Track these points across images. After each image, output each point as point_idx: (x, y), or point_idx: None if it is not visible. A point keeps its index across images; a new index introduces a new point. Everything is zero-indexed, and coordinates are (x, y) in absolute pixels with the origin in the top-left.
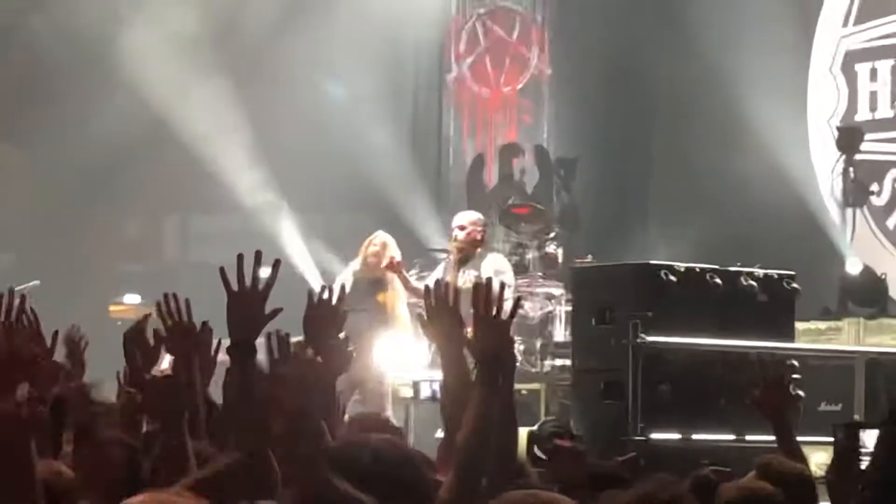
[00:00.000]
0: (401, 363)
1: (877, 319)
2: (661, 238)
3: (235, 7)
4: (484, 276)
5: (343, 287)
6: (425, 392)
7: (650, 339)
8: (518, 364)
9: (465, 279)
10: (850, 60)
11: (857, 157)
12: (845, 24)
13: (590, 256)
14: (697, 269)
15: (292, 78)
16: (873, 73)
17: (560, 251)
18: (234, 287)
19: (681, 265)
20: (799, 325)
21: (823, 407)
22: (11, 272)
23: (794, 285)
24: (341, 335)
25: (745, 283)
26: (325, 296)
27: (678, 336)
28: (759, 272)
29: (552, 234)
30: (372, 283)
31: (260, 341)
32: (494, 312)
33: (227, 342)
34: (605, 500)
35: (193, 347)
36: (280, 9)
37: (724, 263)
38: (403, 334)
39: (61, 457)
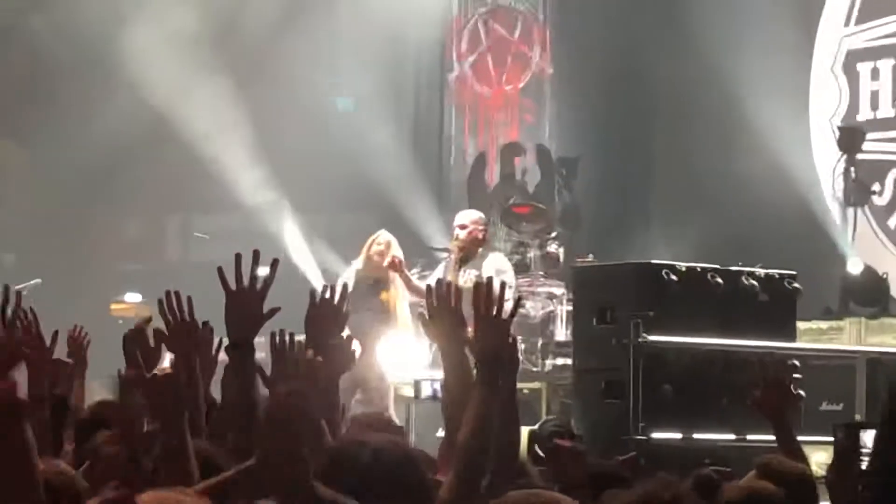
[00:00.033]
0: (402, 362)
1: (878, 319)
2: (662, 237)
3: (236, 6)
4: (485, 275)
5: (345, 286)
6: (426, 391)
7: (651, 338)
8: (520, 363)
9: (466, 278)
10: (852, 60)
11: (859, 156)
12: (847, 23)
13: (591, 256)
14: (699, 269)
15: (293, 77)
16: (875, 73)
17: (561, 250)
18: (233, 286)
19: (682, 265)
20: (800, 325)
21: (825, 406)
22: (13, 272)
23: (796, 285)
24: (344, 334)
25: (746, 282)
26: (328, 295)
27: (679, 336)
28: (761, 272)
29: (553, 234)
30: (374, 282)
31: (259, 340)
32: (495, 312)
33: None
34: (607, 499)
35: (194, 346)
36: (281, 8)
37: (726, 263)
38: (405, 333)
39: (62, 455)
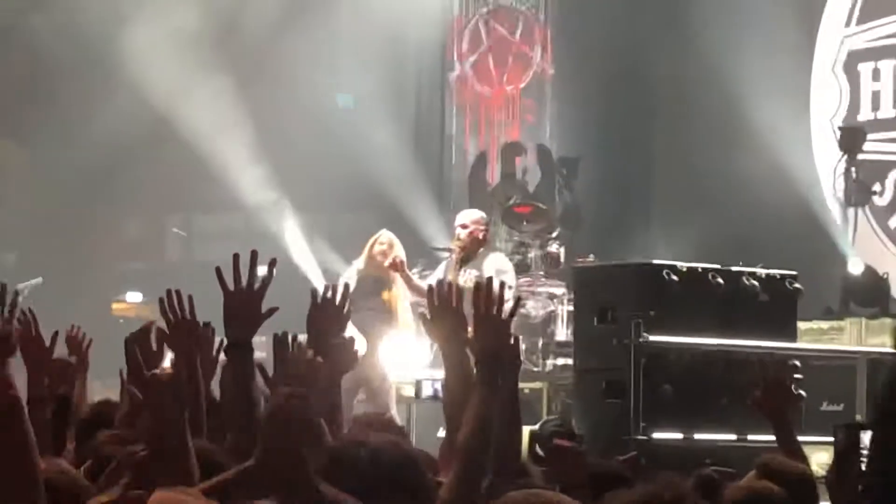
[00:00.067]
0: (403, 362)
1: (879, 319)
2: (662, 237)
3: (237, 6)
4: (485, 275)
5: (347, 286)
6: (427, 391)
7: (652, 338)
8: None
9: (467, 278)
10: (853, 60)
11: (860, 156)
12: (848, 23)
13: (592, 256)
14: (699, 269)
15: (294, 77)
16: (876, 73)
17: (562, 250)
18: (231, 287)
19: (683, 265)
20: (801, 325)
21: (825, 407)
22: (14, 271)
23: (796, 285)
24: (348, 334)
25: (747, 282)
26: (329, 295)
27: (680, 336)
28: (761, 272)
29: (554, 234)
30: (377, 282)
31: (261, 340)
32: (495, 312)
33: None
34: (610, 499)
35: (195, 344)
36: (282, 8)
37: (726, 263)
38: (406, 333)
39: (64, 454)
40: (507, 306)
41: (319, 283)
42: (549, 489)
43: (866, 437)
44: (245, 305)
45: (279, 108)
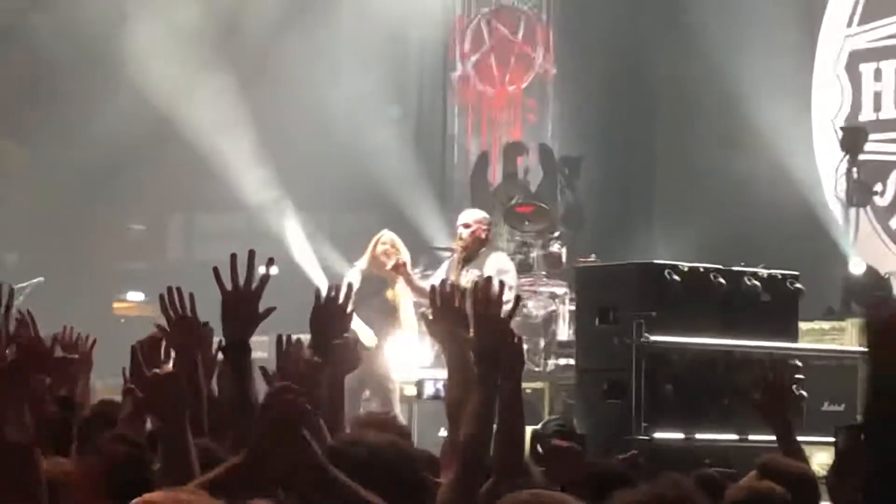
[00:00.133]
0: (405, 362)
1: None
2: (664, 237)
3: (238, 6)
4: (486, 275)
5: (350, 285)
6: (429, 391)
7: (653, 338)
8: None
9: (468, 278)
10: (855, 60)
11: (861, 157)
12: (850, 24)
13: (593, 255)
14: (701, 269)
15: (296, 77)
16: (877, 74)
17: (564, 250)
18: (229, 287)
19: (684, 265)
20: (802, 325)
21: (826, 407)
22: (15, 271)
23: (798, 285)
24: (353, 328)
25: (748, 282)
26: (333, 294)
27: (681, 336)
28: (763, 272)
29: (556, 233)
30: (379, 282)
31: (262, 340)
32: (493, 311)
33: None
34: (614, 499)
35: (196, 342)
36: (283, 8)
37: (728, 263)
38: (409, 333)
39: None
40: (507, 306)
41: (321, 283)
42: (551, 489)
43: None
44: (243, 305)
45: (280, 108)
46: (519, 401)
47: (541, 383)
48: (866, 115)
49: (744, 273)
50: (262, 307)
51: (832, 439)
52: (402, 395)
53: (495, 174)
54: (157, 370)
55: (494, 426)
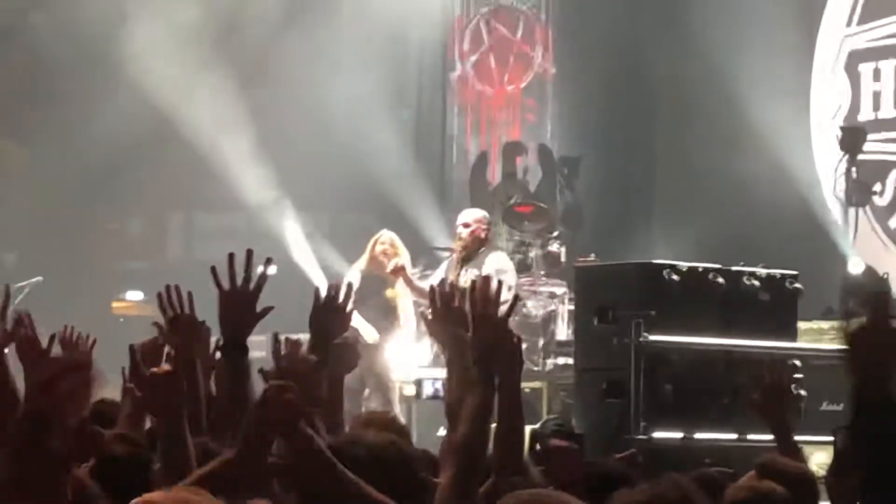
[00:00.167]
0: (404, 361)
1: None
2: (663, 237)
3: (238, 5)
4: (485, 274)
5: (350, 285)
6: (428, 390)
7: (653, 338)
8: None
9: (467, 278)
10: (854, 60)
11: (860, 156)
12: (849, 23)
13: (593, 255)
14: (700, 269)
15: (296, 77)
16: (876, 73)
17: (563, 250)
18: (226, 286)
19: (683, 264)
20: (801, 325)
21: (825, 407)
22: (15, 271)
23: (797, 285)
24: (354, 326)
25: (747, 282)
26: (332, 294)
27: (681, 335)
28: (762, 272)
29: (555, 233)
30: (378, 281)
31: (261, 339)
32: (491, 310)
33: None
34: (615, 499)
35: (194, 340)
36: (283, 7)
37: (727, 263)
38: (408, 332)
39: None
40: (505, 306)
41: (321, 283)
42: (550, 489)
43: None
44: (240, 305)
45: (280, 108)
46: (518, 400)
47: (539, 383)
48: (865, 114)
49: (743, 273)
50: (260, 307)
51: (831, 439)
52: (401, 395)
53: (494, 174)
54: (155, 369)
55: (493, 426)
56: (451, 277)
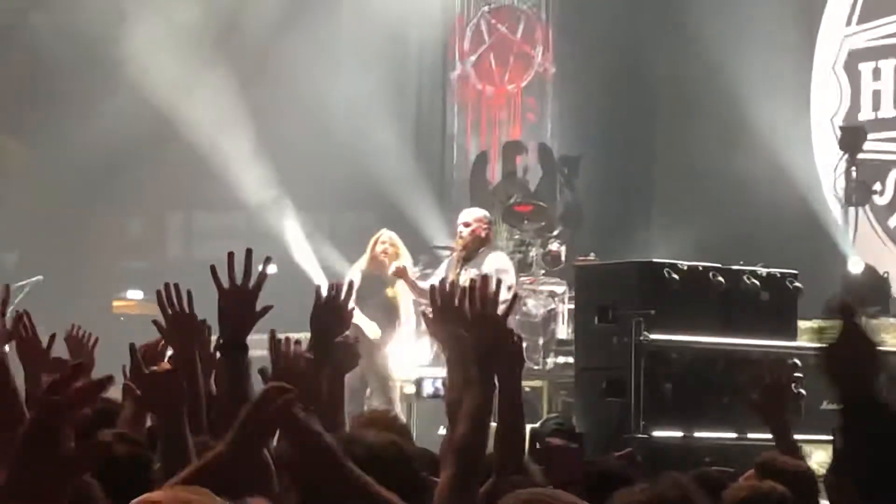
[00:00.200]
0: (405, 360)
1: (879, 318)
2: (663, 236)
3: (238, 5)
4: (484, 273)
5: (351, 283)
6: (428, 389)
7: (652, 336)
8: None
9: (467, 277)
10: (854, 59)
11: (860, 156)
12: (849, 23)
13: (592, 254)
14: (700, 268)
15: (296, 76)
16: (876, 73)
17: (563, 249)
18: (226, 285)
19: (683, 263)
20: (801, 324)
21: (825, 406)
22: (15, 270)
23: (797, 284)
24: (356, 323)
25: (747, 281)
26: (333, 293)
27: (680, 334)
28: (762, 271)
29: (555, 232)
30: (379, 280)
31: (262, 338)
32: (489, 309)
33: None
34: (615, 499)
35: (193, 338)
36: (283, 7)
37: (727, 262)
38: (408, 331)
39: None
40: (503, 305)
41: (321, 282)
42: (549, 487)
43: None
44: (240, 304)
45: (280, 107)
46: (519, 400)
47: (540, 382)
48: (865, 114)
49: (743, 272)
50: (260, 306)
51: (831, 438)
52: (401, 394)
53: (494, 173)
54: (155, 368)
55: (493, 425)
56: (452, 276)
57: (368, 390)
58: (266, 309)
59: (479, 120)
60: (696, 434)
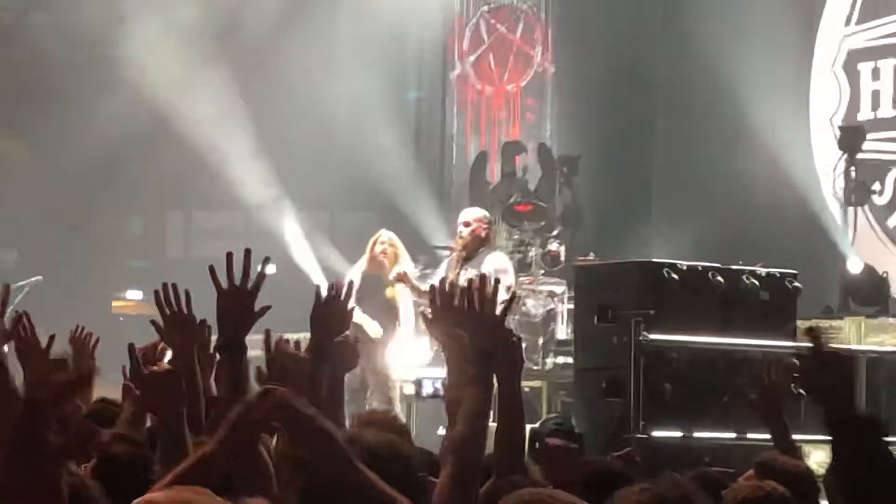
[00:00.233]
0: (404, 360)
1: (878, 318)
2: (662, 236)
3: (238, 5)
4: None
5: (352, 283)
6: (427, 389)
7: (652, 337)
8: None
9: (467, 277)
10: (853, 59)
11: (859, 156)
12: (848, 23)
13: (592, 254)
14: (699, 268)
15: (296, 76)
16: (875, 73)
17: (562, 249)
18: (224, 285)
19: (683, 263)
20: (800, 324)
21: None
22: (15, 269)
23: (796, 284)
24: (357, 322)
25: (746, 281)
26: (333, 293)
27: (680, 334)
28: (761, 270)
29: (554, 232)
30: (379, 280)
31: (255, 338)
32: (487, 309)
33: None
34: (615, 499)
35: (192, 339)
36: (283, 7)
37: (726, 262)
38: (408, 331)
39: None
40: (500, 306)
41: (320, 282)
42: (549, 487)
43: None
44: (239, 304)
45: (280, 107)
46: (519, 400)
47: (539, 382)
48: (864, 113)
49: (742, 271)
50: (258, 306)
51: (830, 438)
52: (401, 394)
53: (494, 173)
54: (154, 368)
55: (493, 425)
56: (451, 276)
57: (369, 391)
58: (265, 309)
59: (478, 120)
60: (696, 434)
